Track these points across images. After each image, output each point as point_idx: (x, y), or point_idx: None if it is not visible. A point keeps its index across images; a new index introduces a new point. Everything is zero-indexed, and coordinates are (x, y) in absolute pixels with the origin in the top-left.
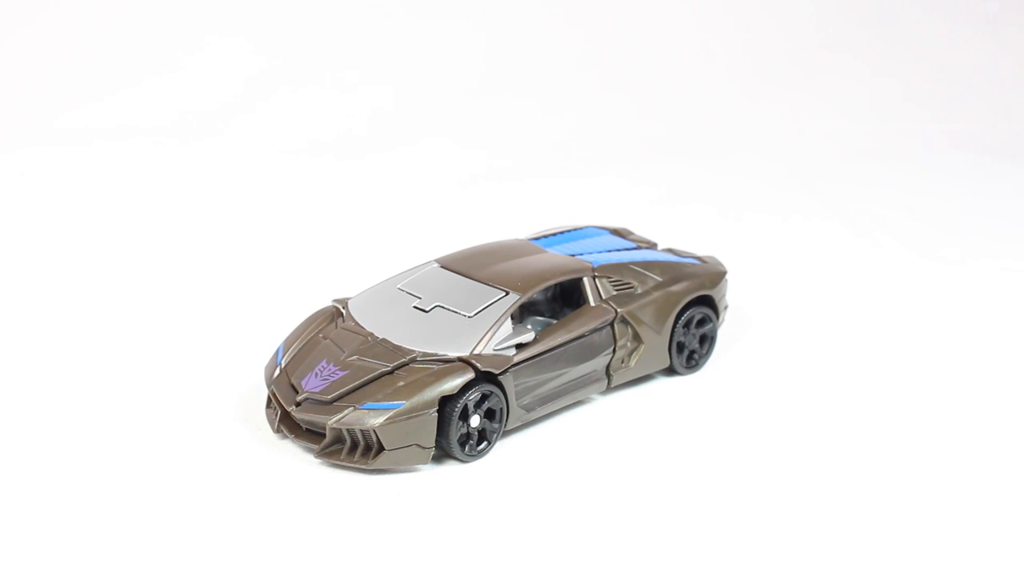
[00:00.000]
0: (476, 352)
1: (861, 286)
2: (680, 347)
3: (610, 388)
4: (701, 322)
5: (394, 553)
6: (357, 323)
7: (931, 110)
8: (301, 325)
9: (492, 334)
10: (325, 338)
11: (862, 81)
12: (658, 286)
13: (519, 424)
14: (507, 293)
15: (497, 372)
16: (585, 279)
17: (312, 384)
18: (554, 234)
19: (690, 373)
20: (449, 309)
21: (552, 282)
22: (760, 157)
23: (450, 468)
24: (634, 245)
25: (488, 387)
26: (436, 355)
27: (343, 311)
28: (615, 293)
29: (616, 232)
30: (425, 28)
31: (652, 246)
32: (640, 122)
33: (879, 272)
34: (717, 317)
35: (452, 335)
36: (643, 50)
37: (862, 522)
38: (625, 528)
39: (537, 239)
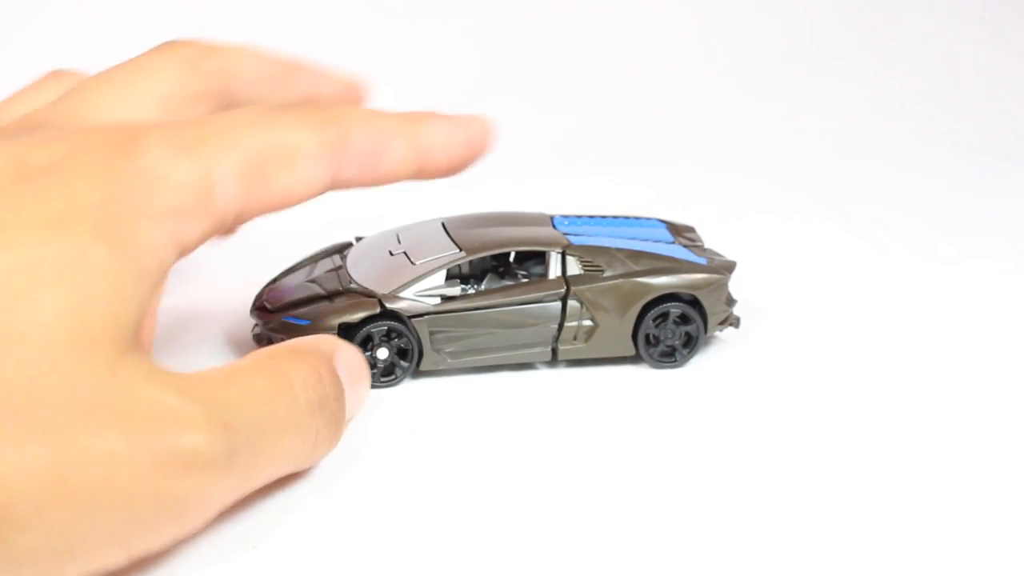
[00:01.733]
0: (394, 293)
1: (860, 286)
2: (651, 339)
3: (558, 361)
4: (684, 320)
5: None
6: (342, 256)
7: (931, 110)
8: (312, 252)
9: (419, 281)
10: (314, 262)
11: (862, 81)
12: (631, 274)
13: (439, 368)
14: (459, 250)
15: (407, 314)
16: (552, 253)
17: (271, 296)
18: (602, 216)
19: (666, 367)
20: (407, 256)
21: (506, 249)
22: (760, 157)
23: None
24: (671, 239)
25: (393, 324)
26: (366, 289)
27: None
28: (580, 272)
29: (672, 227)
30: (424, 28)
31: (693, 245)
32: (639, 122)
33: (878, 272)
34: (705, 320)
35: (389, 276)
36: (642, 50)
37: (853, 519)
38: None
39: (576, 216)
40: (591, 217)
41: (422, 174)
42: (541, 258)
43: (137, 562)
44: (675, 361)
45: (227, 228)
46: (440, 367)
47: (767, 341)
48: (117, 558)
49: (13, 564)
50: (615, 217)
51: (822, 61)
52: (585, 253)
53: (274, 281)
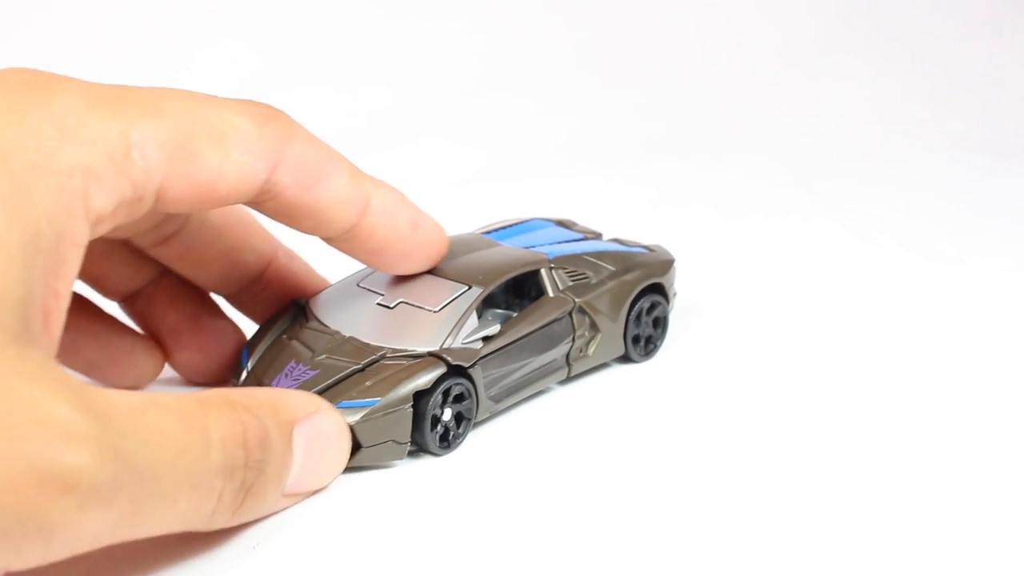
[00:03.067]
0: (445, 346)
1: (860, 285)
2: (635, 335)
3: (570, 377)
4: (651, 309)
5: (377, 549)
6: (322, 322)
7: (931, 110)
8: (262, 327)
9: (459, 328)
10: (291, 339)
11: (862, 81)
12: (612, 275)
13: (488, 416)
14: (470, 287)
15: (467, 365)
16: (543, 271)
17: (284, 385)
18: (504, 227)
19: (645, 360)
20: (414, 305)
21: (513, 275)
22: (760, 157)
23: (424, 463)
24: (581, 236)
25: (459, 380)
26: (406, 351)
27: (305, 311)
28: (571, 284)
29: (561, 223)
30: (424, 28)
31: (597, 236)
32: (639, 122)
33: (878, 271)
34: (668, 303)
35: (419, 330)
36: (642, 50)
37: (865, 521)
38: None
39: (488, 232)
40: (504, 228)
41: (356, 233)
42: (515, 278)
43: None
44: (655, 348)
45: (149, 205)
46: (490, 413)
47: (767, 340)
48: None
49: None
50: (512, 225)
51: (822, 61)
52: (567, 264)
53: (247, 373)
